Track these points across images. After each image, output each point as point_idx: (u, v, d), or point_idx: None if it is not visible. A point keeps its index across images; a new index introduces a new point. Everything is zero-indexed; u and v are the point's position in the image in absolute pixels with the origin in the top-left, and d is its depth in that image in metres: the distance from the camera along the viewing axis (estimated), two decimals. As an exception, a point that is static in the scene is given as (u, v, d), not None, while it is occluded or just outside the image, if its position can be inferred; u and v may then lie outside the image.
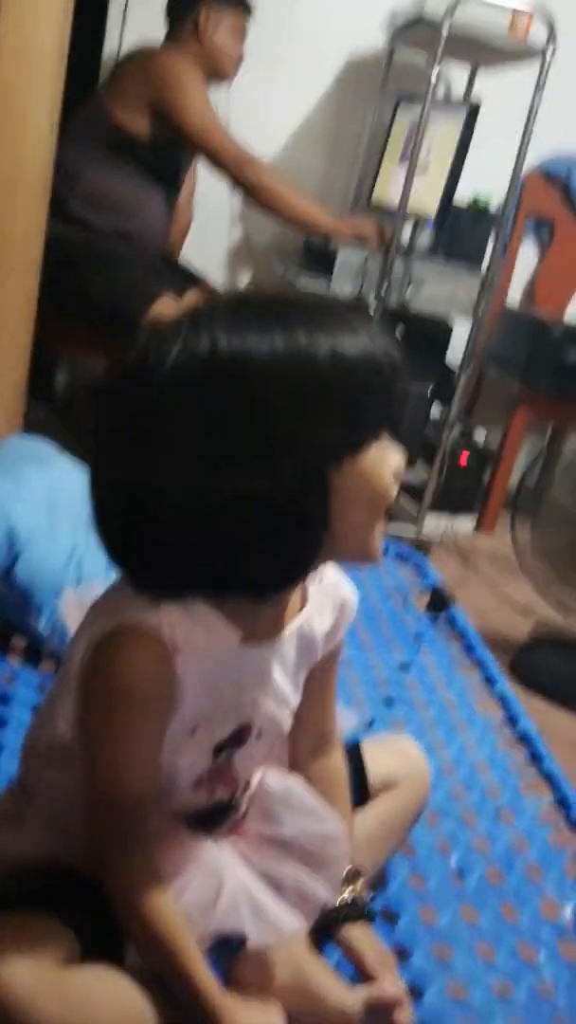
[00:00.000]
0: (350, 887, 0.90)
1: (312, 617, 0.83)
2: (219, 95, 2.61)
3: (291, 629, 0.81)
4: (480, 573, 2.86)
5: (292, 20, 3.09)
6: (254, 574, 0.72)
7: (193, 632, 0.73)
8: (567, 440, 2.33)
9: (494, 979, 0.92)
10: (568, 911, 1.02)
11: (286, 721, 0.85)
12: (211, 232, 3.24)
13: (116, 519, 0.72)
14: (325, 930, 0.88)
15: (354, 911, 0.88)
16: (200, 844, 0.83)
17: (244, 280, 3.41)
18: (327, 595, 0.85)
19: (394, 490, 0.76)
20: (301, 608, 0.83)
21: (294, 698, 0.84)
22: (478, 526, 3.23)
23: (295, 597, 0.82)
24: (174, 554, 0.70)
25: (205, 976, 0.73)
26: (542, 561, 2.30)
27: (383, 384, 0.73)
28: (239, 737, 0.82)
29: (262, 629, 0.79)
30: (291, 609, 0.82)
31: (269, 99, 3.14)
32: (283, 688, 0.83)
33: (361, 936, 0.88)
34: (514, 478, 3.27)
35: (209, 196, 2.97)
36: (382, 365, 0.72)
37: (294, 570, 0.73)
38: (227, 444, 0.68)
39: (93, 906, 0.75)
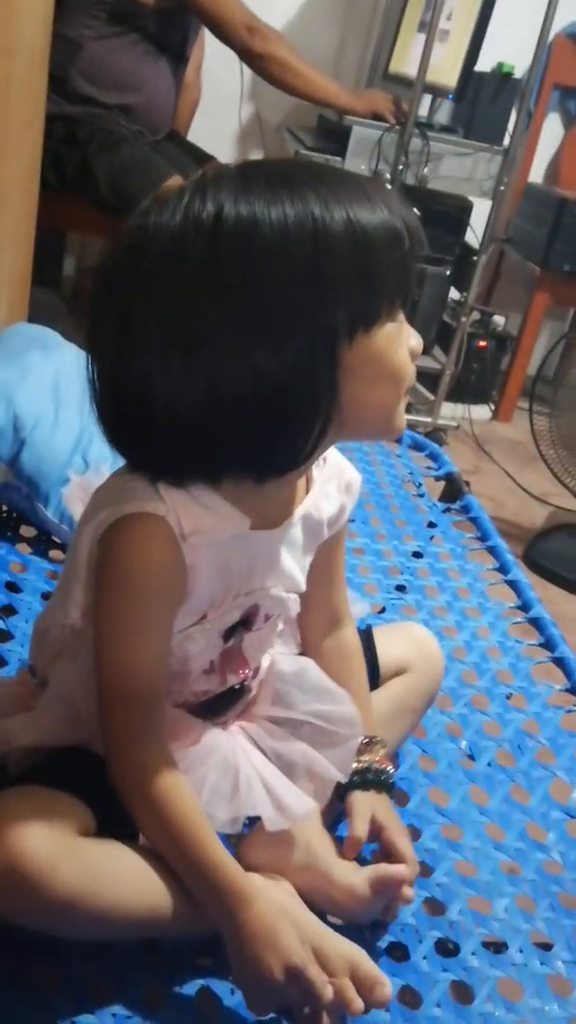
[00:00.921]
0: (367, 755, 0.89)
1: (318, 500, 0.82)
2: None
3: (298, 513, 0.80)
4: (496, 462, 2.83)
5: None
6: (260, 456, 0.70)
7: (201, 518, 0.72)
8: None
9: (502, 858, 0.93)
10: (577, 793, 1.02)
11: (295, 604, 0.85)
12: (220, 108, 3.10)
13: (111, 400, 0.69)
14: (340, 795, 0.88)
15: (369, 777, 0.88)
16: (212, 732, 0.83)
17: (256, 158, 3.28)
18: (332, 478, 0.84)
19: (412, 369, 0.74)
20: (307, 491, 0.82)
21: (302, 579, 0.84)
22: (495, 414, 3.18)
23: (301, 481, 0.81)
24: (174, 437, 0.68)
25: (225, 859, 0.72)
26: (560, 448, 2.27)
27: (400, 257, 0.70)
28: (248, 621, 0.81)
29: (270, 514, 0.78)
30: (298, 493, 0.81)
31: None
32: (291, 571, 0.82)
33: (380, 808, 0.88)
34: (533, 365, 3.20)
35: (218, 70, 2.83)
36: (400, 236, 0.70)
37: (302, 451, 0.71)
38: (229, 318, 0.65)
39: (107, 787, 0.75)
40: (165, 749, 0.75)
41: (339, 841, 0.86)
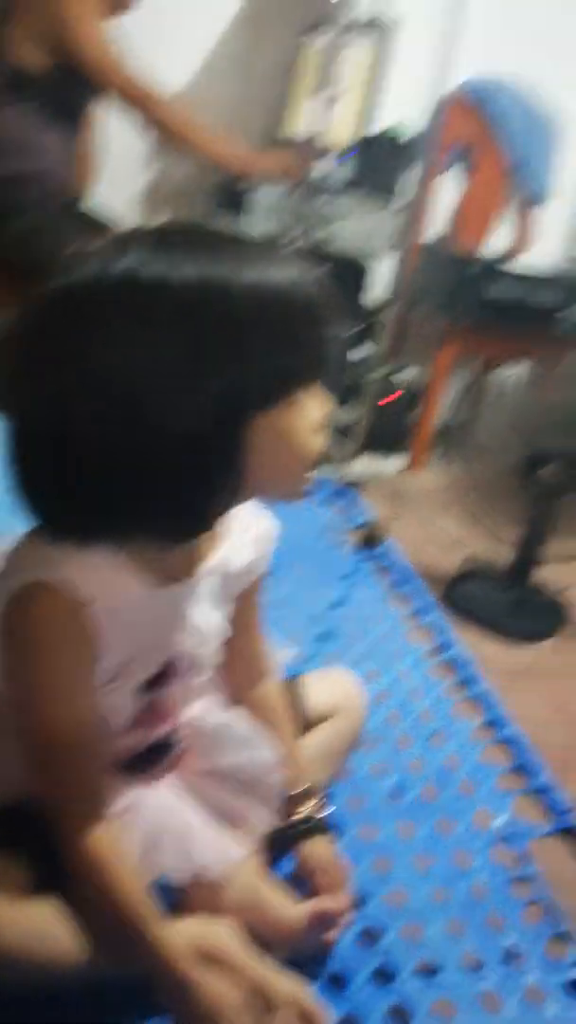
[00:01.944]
0: (306, 804, 0.94)
1: (232, 551, 0.84)
2: (121, 23, 2.53)
3: (210, 565, 0.82)
4: (411, 510, 2.92)
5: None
6: (162, 520, 0.71)
7: (105, 583, 0.73)
8: (493, 375, 2.38)
9: (431, 886, 0.98)
10: (500, 820, 1.08)
11: (214, 655, 0.86)
12: (121, 174, 3.16)
13: (24, 457, 0.69)
14: (283, 845, 0.92)
15: (310, 827, 0.93)
16: (144, 790, 0.86)
17: (168, 221, 3.35)
18: (247, 528, 0.85)
19: (318, 444, 0.73)
20: (220, 542, 0.83)
21: (220, 630, 0.86)
22: (408, 464, 3.28)
23: (212, 531, 0.81)
24: (83, 498, 0.69)
25: (165, 939, 0.75)
26: (471, 495, 2.37)
27: (313, 327, 0.70)
28: (166, 675, 0.83)
29: (178, 569, 0.79)
30: (209, 544, 0.81)
31: (173, 27, 3.05)
32: (207, 624, 0.84)
33: (320, 852, 0.92)
34: (442, 415, 3.32)
35: (117, 136, 2.90)
36: (313, 307, 0.69)
37: (204, 517, 0.73)
38: (140, 378, 0.65)
39: (42, 844, 0.76)
40: (102, 813, 0.76)
41: (279, 880, 0.90)
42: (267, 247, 0.71)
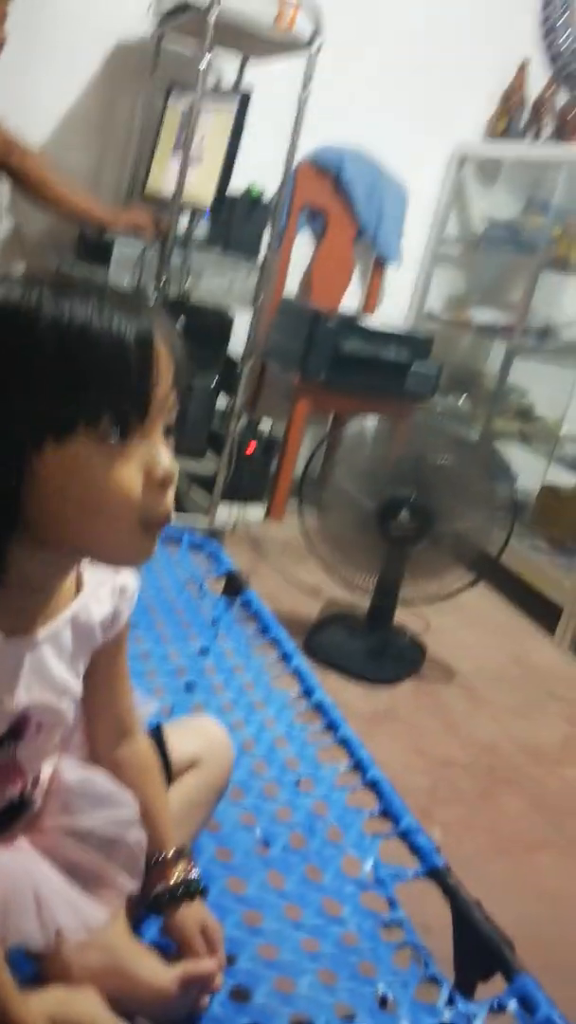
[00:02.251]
0: (177, 867, 0.91)
1: (88, 603, 0.81)
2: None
3: (65, 616, 0.79)
4: (271, 559, 2.95)
5: (57, 0, 3.02)
6: None
7: None
8: (345, 428, 2.44)
9: (303, 936, 0.97)
10: (368, 865, 1.08)
11: (68, 711, 0.83)
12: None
13: None
14: (155, 911, 0.90)
15: (186, 892, 0.90)
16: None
17: (17, 274, 3.30)
18: (104, 581, 0.83)
19: (145, 498, 0.69)
20: (77, 593, 0.81)
21: (75, 685, 0.83)
22: (267, 514, 3.31)
23: (69, 582, 0.80)
24: None
25: (18, 1007, 0.72)
26: (328, 544, 2.40)
27: (118, 371, 0.66)
28: (17, 732, 0.80)
29: (25, 621, 0.76)
30: (65, 595, 0.79)
31: (34, 84, 3.06)
32: (60, 677, 0.81)
33: (194, 914, 0.90)
34: (299, 467, 3.37)
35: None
36: (121, 348, 0.66)
37: None
38: None
39: None
40: None
41: (145, 944, 0.86)
42: (118, 293, 0.69)
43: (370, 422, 2.39)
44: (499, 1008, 0.92)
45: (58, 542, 0.71)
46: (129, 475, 0.68)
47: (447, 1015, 0.91)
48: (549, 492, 3.26)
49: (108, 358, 0.65)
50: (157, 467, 0.69)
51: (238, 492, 3.14)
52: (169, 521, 0.71)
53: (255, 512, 3.27)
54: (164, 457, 0.69)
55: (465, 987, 0.96)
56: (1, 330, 0.65)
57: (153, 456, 0.69)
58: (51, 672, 0.80)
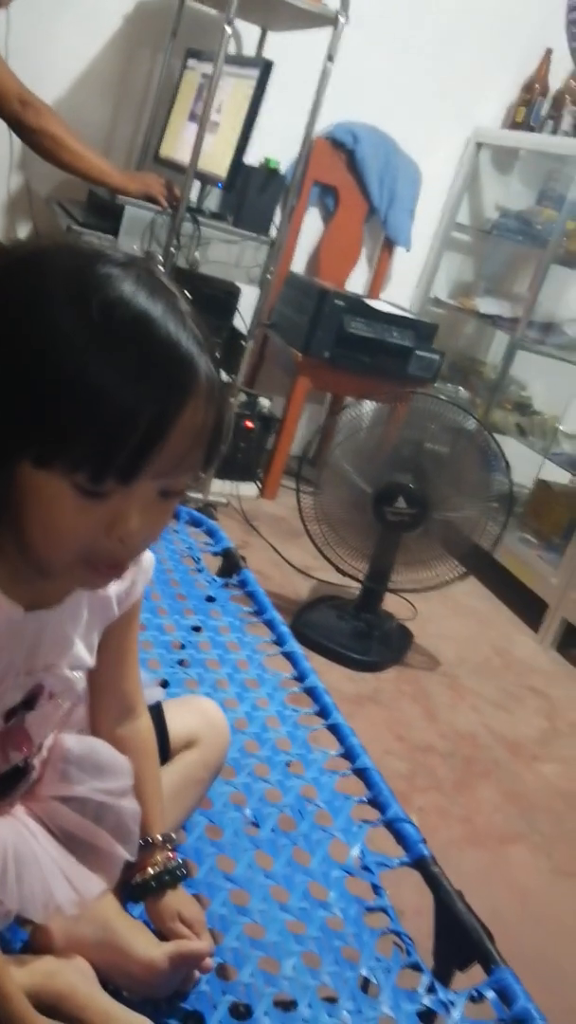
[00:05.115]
0: (164, 854, 0.92)
1: None
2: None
3: (81, 591, 0.79)
4: (263, 537, 2.95)
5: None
6: None
7: None
8: (345, 410, 2.43)
9: (288, 919, 0.98)
10: (355, 851, 1.09)
11: (79, 682, 0.84)
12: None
13: None
14: (139, 894, 0.91)
15: (166, 879, 0.91)
16: None
17: (24, 232, 3.27)
18: None
19: (80, 543, 0.66)
20: None
21: (88, 658, 0.83)
22: (261, 492, 3.31)
23: None
24: None
25: (12, 991, 0.72)
26: (322, 524, 2.41)
27: (112, 433, 0.61)
28: (30, 702, 0.81)
29: (49, 593, 0.76)
30: None
31: (51, 38, 3.02)
32: (76, 649, 0.81)
33: (174, 902, 0.90)
34: (296, 445, 3.37)
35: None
36: (122, 412, 0.60)
37: None
38: None
39: None
40: None
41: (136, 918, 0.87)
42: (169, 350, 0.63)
43: (371, 404, 2.39)
44: (478, 997, 0.94)
45: (23, 543, 0.69)
46: (85, 526, 0.65)
47: (427, 1001, 0.93)
48: (542, 487, 3.27)
49: (108, 423, 0.61)
50: (117, 528, 0.65)
51: (233, 468, 3.13)
52: (120, 567, 0.70)
53: (248, 488, 3.27)
54: (132, 521, 0.65)
55: (442, 974, 0.98)
56: (15, 340, 0.61)
57: (121, 515, 0.65)
58: (68, 644, 0.80)
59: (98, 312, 0.60)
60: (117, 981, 0.83)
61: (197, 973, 0.87)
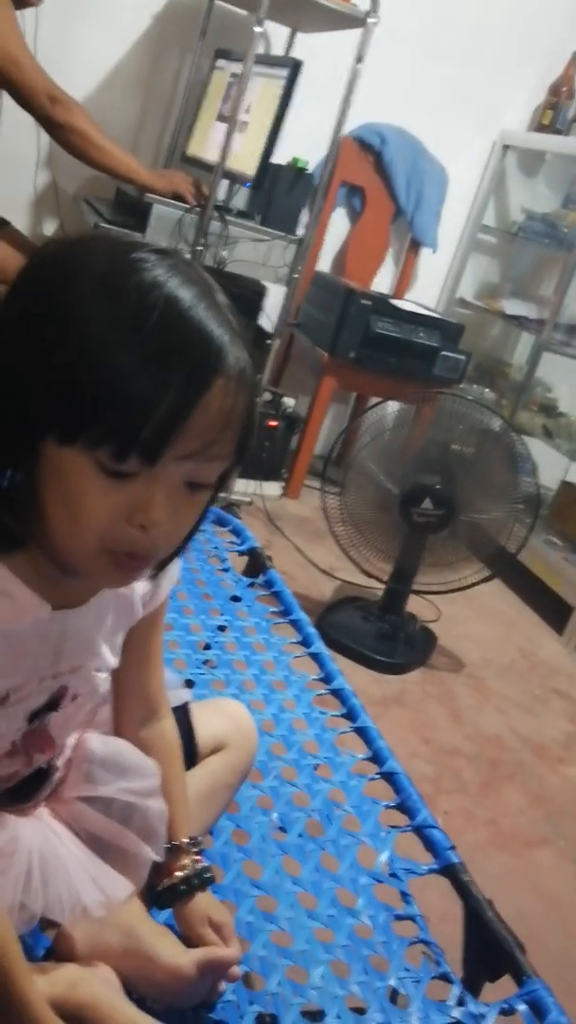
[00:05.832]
0: (190, 858, 0.90)
1: None
2: (26, 24, 2.47)
3: (108, 590, 0.79)
4: (287, 537, 2.93)
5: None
6: None
7: None
8: (371, 410, 2.41)
9: (316, 926, 0.96)
10: (383, 858, 1.07)
11: (103, 683, 0.83)
12: (15, 173, 3.08)
13: None
14: (166, 900, 0.89)
15: (195, 883, 0.90)
16: (20, 822, 0.81)
17: (51, 229, 3.27)
18: None
19: (100, 526, 0.65)
20: None
21: (112, 659, 0.82)
22: (285, 491, 3.29)
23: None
24: None
25: (34, 998, 0.70)
26: (347, 525, 2.39)
27: (128, 409, 0.61)
28: (54, 703, 0.80)
29: (74, 593, 0.75)
30: None
31: (80, 37, 3.02)
32: (101, 650, 0.81)
33: (200, 907, 0.89)
34: (320, 445, 3.36)
35: (14, 134, 2.83)
36: (137, 395, 0.61)
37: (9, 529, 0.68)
38: None
39: None
40: None
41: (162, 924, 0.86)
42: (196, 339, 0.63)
43: (397, 404, 2.37)
44: (509, 1011, 0.92)
45: (47, 535, 0.68)
46: (108, 508, 0.64)
47: (457, 1014, 0.91)
48: (568, 490, 3.23)
49: (133, 397, 0.61)
50: (139, 515, 0.65)
51: (257, 467, 3.12)
52: (142, 561, 0.68)
53: (271, 488, 3.25)
54: (155, 509, 0.64)
55: (472, 984, 0.96)
56: (45, 317, 0.63)
57: (145, 501, 0.64)
58: (93, 645, 0.80)
59: (131, 291, 0.62)
60: (142, 989, 0.81)
61: (224, 983, 0.85)
